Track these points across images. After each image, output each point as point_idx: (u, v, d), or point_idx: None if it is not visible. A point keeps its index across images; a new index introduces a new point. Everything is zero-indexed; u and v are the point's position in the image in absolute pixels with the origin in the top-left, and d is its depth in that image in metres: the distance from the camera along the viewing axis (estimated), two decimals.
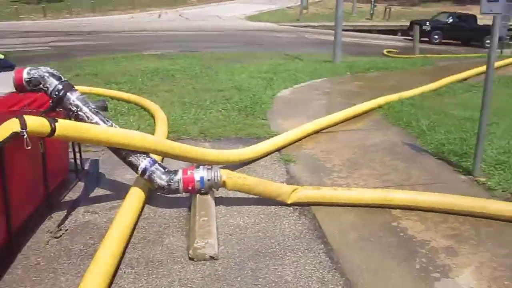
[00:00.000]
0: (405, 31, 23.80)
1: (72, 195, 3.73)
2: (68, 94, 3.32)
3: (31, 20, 29.07)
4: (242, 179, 3.40)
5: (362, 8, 30.47)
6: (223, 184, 3.38)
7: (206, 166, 3.43)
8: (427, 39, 21.32)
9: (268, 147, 4.60)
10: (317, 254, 2.93)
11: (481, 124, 4.05)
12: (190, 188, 3.35)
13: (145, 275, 2.67)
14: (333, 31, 11.32)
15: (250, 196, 3.56)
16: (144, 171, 3.32)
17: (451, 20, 22.58)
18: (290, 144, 4.92)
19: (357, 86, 8.17)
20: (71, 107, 3.31)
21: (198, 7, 35.00)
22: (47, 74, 3.34)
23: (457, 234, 3.19)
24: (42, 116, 2.92)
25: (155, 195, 3.58)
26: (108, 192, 3.79)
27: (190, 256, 2.84)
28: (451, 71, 9.16)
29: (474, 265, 2.84)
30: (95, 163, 4.37)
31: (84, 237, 3.09)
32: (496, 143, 4.79)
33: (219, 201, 3.55)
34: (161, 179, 3.32)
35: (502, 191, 3.82)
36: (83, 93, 3.54)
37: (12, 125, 2.67)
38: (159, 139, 4.08)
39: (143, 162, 3.32)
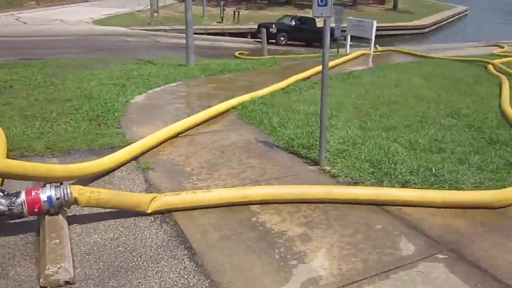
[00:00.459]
0: (254, 34, 25.05)
1: None
2: None
3: None
4: (96, 194, 3.21)
5: (212, 12, 31.12)
6: (75, 201, 3.15)
7: (53, 183, 3.16)
8: (274, 40, 22.71)
9: (123, 156, 4.41)
10: (181, 261, 2.92)
11: (322, 117, 4.44)
12: (36, 210, 3.05)
13: None
14: (185, 35, 11.34)
15: (108, 210, 3.38)
16: None
17: (294, 23, 24.39)
18: (147, 151, 4.80)
19: (212, 88, 8.32)
20: None
21: (37, 10, 32.01)
22: None
23: (310, 221, 3.45)
24: None
25: None
26: None
27: (41, 285, 2.59)
28: (296, 70, 9.89)
29: (326, 247, 3.11)
30: None
31: None
32: (337, 134, 5.31)
33: (72, 219, 3.30)
34: (0, 204, 2.96)
35: (345, 177, 4.24)
36: None
37: None
38: None
39: None
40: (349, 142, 5.05)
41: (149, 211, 3.41)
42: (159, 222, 3.39)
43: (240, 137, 5.42)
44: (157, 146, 4.97)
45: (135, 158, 4.60)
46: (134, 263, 2.88)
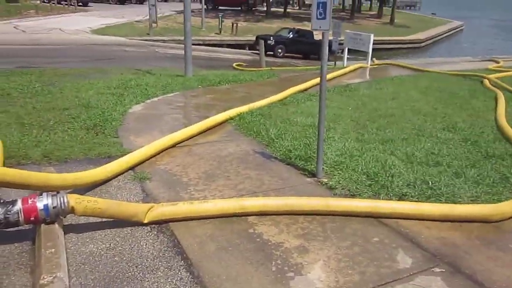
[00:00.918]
0: (252, 46, 25.17)
1: None
2: None
3: None
4: (93, 203, 3.20)
5: (211, 23, 31.29)
6: (72, 210, 3.13)
7: (50, 192, 3.15)
8: (272, 52, 22.82)
9: (120, 165, 4.40)
10: (177, 272, 2.90)
11: (319, 129, 4.46)
12: (32, 218, 3.03)
13: None
14: (183, 45, 11.39)
15: (104, 219, 3.37)
16: None
17: (291, 35, 24.54)
18: (144, 161, 4.79)
19: (210, 99, 8.34)
20: None
21: (36, 19, 32.08)
22: None
23: (307, 233, 3.45)
24: None
25: None
26: None
27: None
28: (293, 82, 9.94)
29: (323, 259, 3.10)
30: None
31: None
32: (334, 146, 5.33)
33: (69, 229, 3.28)
34: None
35: (342, 189, 4.25)
36: None
37: None
38: None
39: None
40: (346, 154, 5.06)
41: (145, 221, 3.40)
42: (155, 232, 3.37)
43: (237, 148, 5.43)
44: (154, 156, 4.97)
45: (132, 167, 4.59)
46: (130, 273, 2.86)
